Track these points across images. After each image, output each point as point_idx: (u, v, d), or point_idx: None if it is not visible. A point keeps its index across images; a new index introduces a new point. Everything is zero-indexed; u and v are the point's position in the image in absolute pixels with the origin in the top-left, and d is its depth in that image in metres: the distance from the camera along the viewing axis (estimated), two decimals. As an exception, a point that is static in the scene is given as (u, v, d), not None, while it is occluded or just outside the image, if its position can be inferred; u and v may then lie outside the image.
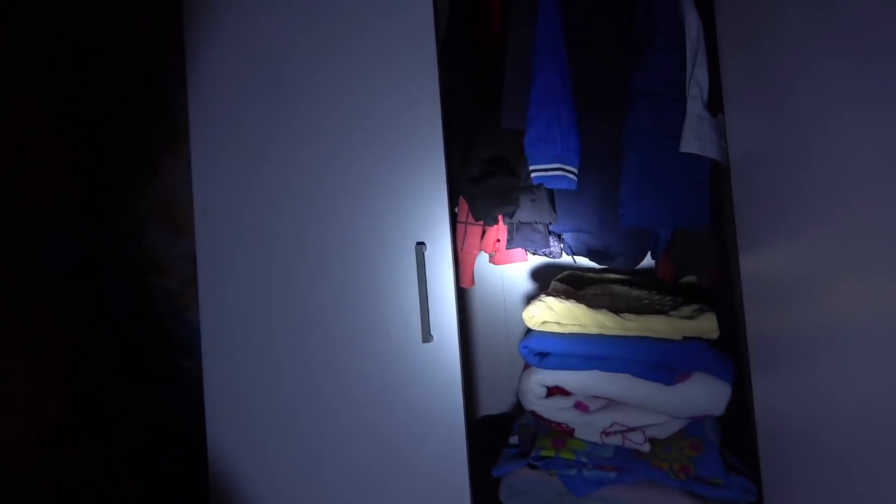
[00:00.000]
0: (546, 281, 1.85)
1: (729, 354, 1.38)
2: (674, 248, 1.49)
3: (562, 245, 1.58)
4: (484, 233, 1.54)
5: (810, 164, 1.03)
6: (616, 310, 1.37)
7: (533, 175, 1.33)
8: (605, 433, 1.37)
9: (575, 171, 1.35)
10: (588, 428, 1.38)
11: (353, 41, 1.35)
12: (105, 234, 2.11)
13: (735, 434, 1.42)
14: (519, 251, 1.61)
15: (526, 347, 1.39)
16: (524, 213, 1.42)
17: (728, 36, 1.26)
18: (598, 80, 1.38)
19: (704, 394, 1.33)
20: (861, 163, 0.87)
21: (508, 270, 1.84)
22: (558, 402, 1.39)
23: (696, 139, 1.29)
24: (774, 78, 1.13)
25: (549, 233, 1.52)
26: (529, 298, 1.74)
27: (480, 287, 1.87)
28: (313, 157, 1.36)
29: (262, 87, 1.39)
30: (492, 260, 1.69)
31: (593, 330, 1.37)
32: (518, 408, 1.80)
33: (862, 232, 0.90)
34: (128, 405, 2.12)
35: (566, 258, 1.71)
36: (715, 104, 1.32)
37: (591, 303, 1.41)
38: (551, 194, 1.43)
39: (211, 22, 1.43)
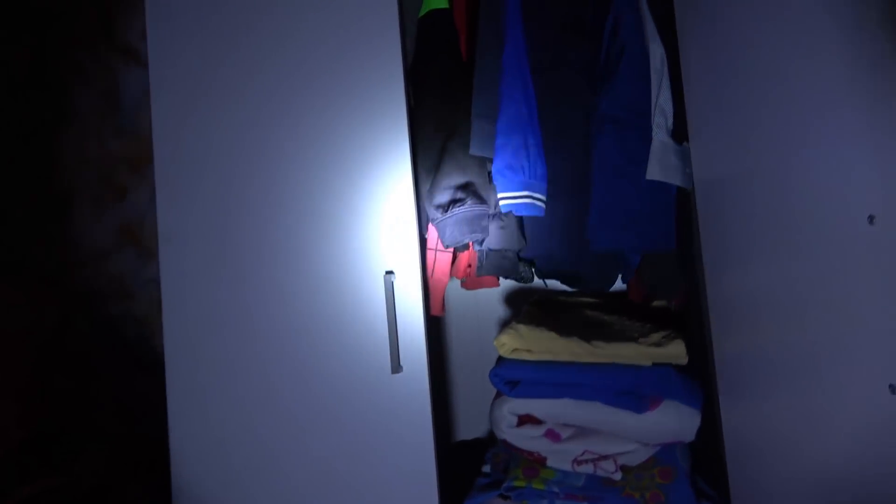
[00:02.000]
0: (519, 305, 1.85)
1: (698, 379, 1.38)
2: (643, 271, 1.49)
3: (532, 269, 1.58)
4: (454, 258, 1.53)
5: (771, 191, 1.05)
6: (587, 336, 1.37)
7: (501, 203, 1.33)
8: (577, 461, 1.36)
9: (543, 198, 1.35)
10: (560, 456, 1.37)
11: (320, 68, 1.34)
12: (68, 256, 2.07)
13: (706, 460, 1.42)
14: (490, 277, 1.60)
15: (497, 376, 1.38)
16: (494, 241, 1.42)
17: (692, 65, 1.27)
18: (564, 106, 1.39)
19: (674, 420, 1.33)
20: (820, 188, 0.89)
21: (481, 295, 1.83)
22: (529, 430, 1.38)
23: (660, 167, 1.30)
24: (736, 109, 1.15)
25: (520, 259, 1.51)
26: (502, 323, 1.74)
27: (454, 311, 1.86)
28: (281, 184, 1.34)
29: (228, 110, 1.37)
30: (463, 285, 1.68)
31: (564, 357, 1.36)
32: (492, 433, 1.79)
33: (822, 257, 0.91)
34: (93, 431, 2.07)
35: (538, 281, 1.71)
36: (680, 131, 1.33)
37: (562, 329, 1.40)
38: (521, 220, 1.43)
39: (176, 36, 1.40)
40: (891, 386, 0.73)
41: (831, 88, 0.85)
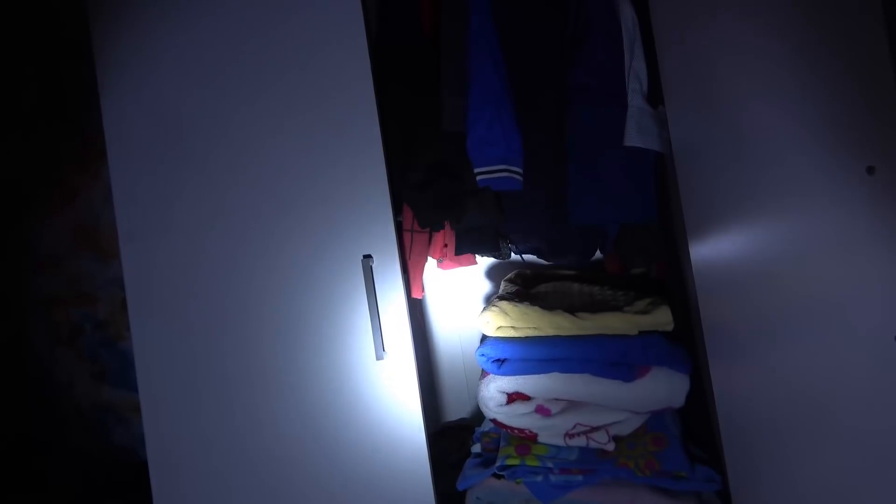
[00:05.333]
0: (497, 282, 1.83)
1: (684, 345, 1.38)
2: (622, 241, 1.48)
3: (510, 246, 1.55)
4: (431, 239, 1.49)
5: (748, 154, 1.04)
6: (571, 309, 1.35)
7: (478, 178, 1.30)
8: (569, 435, 1.35)
9: (520, 171, 1.32)
10: (551, 431, 1.36)
11: (282, 48, 1.28)
12: (19, 261, 1.96)
13: (696, 424, 1.43)
14: (467, 255, 1.57)
15: (483, 355, 1.35)
16: (472, 218, 1.38)
17: (663, 27, 1.25)
18: (535, 77, 1.35)
19: (664, 387, 1.33)
20: (795, 156, 0.88)
21: (459, 274, 1.80)
22: (519, 407, 1.36)
23: (638, 133, 1.28)
24: (710, 69, 1.13)
25: (499, 235, 1.48)
26: (483, 302, 1.71)
27: (432, 294, 1.83)
28: (246, 171, 1.28)
29: (186, 95, 1.30)
30: (440, 265, 1.65)
31: (549, 331, 1.34)
32: (479, 414, 1.77)
33: (803, 220, 0.91)
34: (55, 441, 1.98)
35: (515, 257, 1.69)
36: (654, 96, 1.31)
37: (546, 303, 1.38)
38: (498, 196, 1.39)
39: (125, 30, 1.32)
40: None
41: (810, 39, 0.83)
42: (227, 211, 1.28)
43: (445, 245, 1.56)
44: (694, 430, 1.42)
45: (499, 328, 1.36)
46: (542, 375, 1.33)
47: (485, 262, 1.78)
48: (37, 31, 1.94)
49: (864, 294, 0.79)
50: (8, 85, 1.94)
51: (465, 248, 1.46)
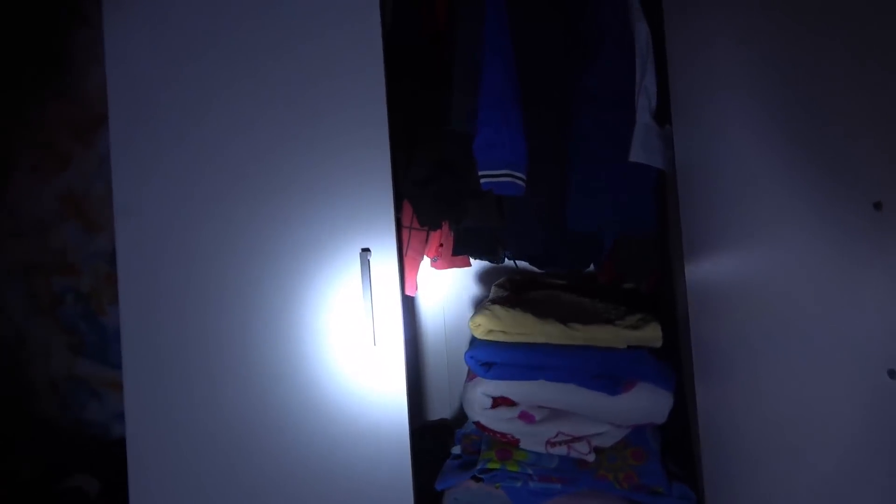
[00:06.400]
0: (488, 285, 1.83)
1: (669, 362, 1.40)
2: (616, 253, 1.49)
3: (505, 251, 1.56)
4: (428, 237, 1.49)
5: (752, 180, 1.05)
6: (562, 318, 1.36)
7: (482, 180, 1.30)
8: (551, 443, 1.35)
9: (524, 176, 1.32)
10: (533, 438, 1.36)
11: (294, 37, 1.27)
12: (4, 227, 1.92)
13: (674, 441, 1.44)
14: (462, 256, 1.57)
15: (472, 357, 1.36)
16: (472, 220, 1.38)
17: (677, 49, 1.26)
18: (544, 83, 1.36)
19: (647, 403, 1.34)
20: (800, 186, 0.89)
21: (451, 275, 1.80)
22: (503, 412, 1.36)
23: (643, 149, 1.29)
24: (720, 93, 1.14)
25: (497, 238, 1.49)
26: (474, 304, 1.71)
27: (423, 292, 1.82)
28: (251, 158, 1.27)
29: (193, 80, 1.28)
30: (433, 265, 1.65)
31: (540, 339, 1.35)
32: (459, 416, 1.77)
33: (804, 250, 0.92)
34: (24, 410, 1.94)
35: (508, 263, 1.69)
36: (662, 114, 1.32)
37: (537, 311, 1.39)
38: (499, 199, 1.40)
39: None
40: (890, 371, 0.73)
41: (831, 73, 0.84)
42: (227, 194, 1.27)
43: (441, 245, 1.57)
44: (672, 447, 1.43)
45: (489, 332, 1.37)
46: (529, 382, 1.34)
47: (477, 264, 1.78)
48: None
49: (859, 328, 0.81)
50: (5, 48, 1.91)
51: (463, 249, 1.46)
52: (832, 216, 0.84)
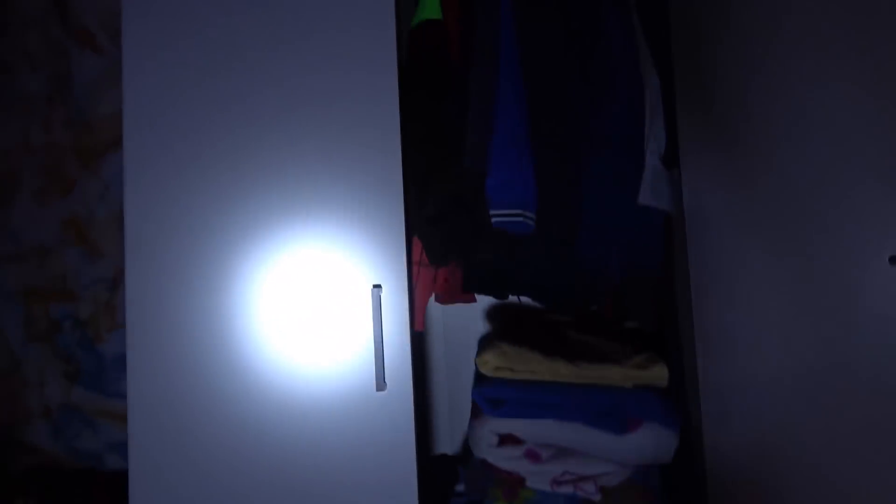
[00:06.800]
0: (490, 320, 1.84)
1: (674, 402, 1.41)
2: (621, 292, 1.50)
3: (512, 287, 1.56)
4: (436, 274, 1.50)
5: (762, 226, 1.08)
6: (570, 357, 1.37)
7: (494, 219, 1.31)
8: (557, 482, 1.35)
9: (534, 216, 1.34)
10: (539, 476, 1.36)
11: (312, 73, 1.28)
12: (5, 249, 1.91)
13: (678, 481, 1.45)
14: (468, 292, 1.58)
15: (481, 395, 1.36)
16: (483, 258, 1.40)
17: (685, 95, 1.30)
18: (556, 125, 1.38)
19: (653, 443, 1.34)
20: (830, 224, 0.91)
21: (452, 310, 1.81)
22: (510, 450, 1.36)
23: (652, 191, 1.32)
24: (731, 141, 1.18)
25: (505, 275, 1.50)
26: (475, 339, 1.72)
27: (427, 327, 1.83)
28: (265, 191, 1.27)
29: (210, 109, 1.29)
30: (438, 299, 1.65)
31: (547, 377, 1.35)
32: (461, 451, 1.77)
33: (802, 287, 0.95)
34: (19, 445, 1.91)
35: (512, 297, 1.70)
36: (669, 157, 1.35)
37: (544, 348, 1.39)
38: (508, 237, 1.41)
39: (155, 22, 1.31)
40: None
41: (837, 120, 0.87)
42: (242, 227, 1.27)
43: (446, 280, 1.57)
44: (677, 488, 1.44)
45: (497, 368, 1.37)
46: (536, 420, 1.34)
47: (480, 299, 1.78)
48: (51, 19, 1.92)
49: (867, 372, 0.82)
50: (14, 68, 1.91)
51: (472, 286, 1.47)
52: (841, 266, 0.87)
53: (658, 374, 1.35)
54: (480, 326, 1.86)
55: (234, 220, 1.28)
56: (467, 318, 1.86)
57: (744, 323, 1.14)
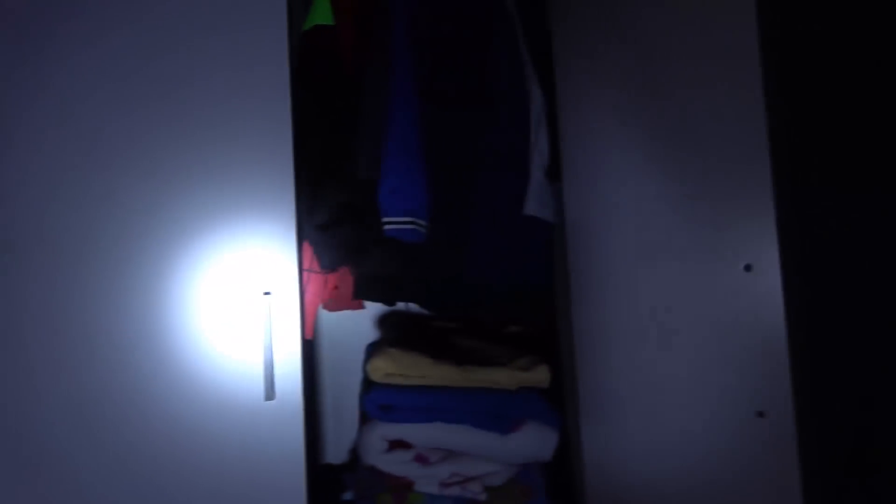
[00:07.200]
0: (377, 327, 1.84)
1: (554, 402, 1.49)
2: (506, 298, 1.57)
3: (403, 294, 1.58)
4: (326, 280, 1.49)
5: (624, 232, 1.18)
6: (459, 361, 1.40)
7: (386, 227, 1.32)
8: (445, 484, 1.38)
9: (425, 224, 1.37)
10: (428, 480, 1.39)
11: (199, 71, 1.23)
12: None
13: (557, 477, 1.53)
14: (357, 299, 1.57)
15: (372, 401, 1.36)
16: (374, 265, 1.40)
17: (567, 113, 1.39)
18: (447, 136, 1.42)
19: (536, 441, 1.41)
20: (680, 244, 1.02)
21: (340, 317, 1.79)
22: (399, 455, 1.38)
23: (537, 203, 1.39)
24: (605, 155, 1.27)
25: (395, 283, 1.51)
26: (367, 347, 1.71)
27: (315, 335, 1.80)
28: (151, 195, 1.20)
29: (75, 103, 1.20)
30: (327, 307, 1.64)
31: (437, 382, 1.38)
32: (346, 459, 1.75)
33: (664, 289, 1.05)
34: None
35: (399, 304, 1.72)
36: (552, 171, 1.43)
37: (433, 353, 1.42)
38: (400, 246, 1.43)
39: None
40: (759, 412, 0.85)
41: (703, 136, 0.97)
42: (114, 233, 1.19)
43: (336, 287, 1.56)
44: (556, 484, 1.52)
45: (387, 375, 1.38)
46: (426, 424, 1.37)
47: (371, 306, 1.79)
48: None
49: (727, 372, 0.92)
50: None
51: (363, 293, 1.47)
52: (703, 273, 0.97)
53: (541, 375, 1.42)
54: (366, 333, 1.86)
55: (119, 225, 1.20)
56: (352, 325, 1.85)
57: (617, 324, 1.23)
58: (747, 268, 0.87)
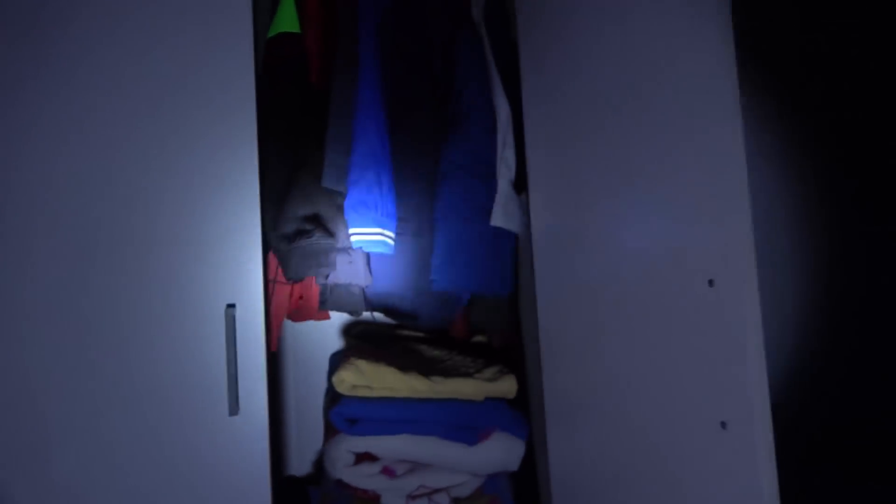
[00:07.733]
0: (342, 337, 1.83)
1: (521, 411, 1.49)
2: (471, 309, 1.58)
3: (369, 305, 1.57)
4: (292, 291, 1.47)
5: (589, 243, 1.20)
6: (425, 372, 1.40)
7: (352, 238, 1.32)
8: (411, 496, 1.38)
9: (393, 235, 1.36)
10: (394, 493, 1.38)
11: (163, 77, 1.21)
12: None
13: (524, 488, 1.53)
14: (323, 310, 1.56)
15: (339, 414, 1.35)
16: (340, 276, 1.39)
17: (533, 125, 1.40)
18: (414, 148, 1.42)
19: (502, 452, 1.42)
20: (654, 248, 1.03)
21: (304, 328, 1.77)
22: (366, 468, 1.37)
23: (503, 214, 1.40)
24: (571, 168, 1.29)
25: (361, 293, 1.50)
26: (331, 358, 1.70)
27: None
28: (106, 205, 1.17)
29: (38, 107, 1.17)
30: (291, 317, 1.61)
31: (404, 393, 1.38)
32: (311, 473, 1.73)
33: (629, 301, 1.07)
34: None
35: (365, 314, 1.71)
36: (519, 183, 1.45)
37: (400, 365, 1.42)
38: (367, 256, 1.42)
39: None
40: (722, 423, 0.87)
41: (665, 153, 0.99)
42: (73, 242, 1.15)
43: (301, 297, 1.54)
44: (522, 493, 1.53)
45: (354, 387, 1.37)
46: (392, 436, 1.36)
47: (337, 317, 1.77)
48: None
49: (695, 377, 0.94)
50: None
51: (329, 304, 1.46)
52: (668, 285, 0.99)
53: (507, 386, 1.43)
54: (330, 344, 1.84)
55: (81, 236, 1.16)
56: (316, 336, 1.83)
57: (583, 334, 1.24)
58: (710, 283, 0.88)
